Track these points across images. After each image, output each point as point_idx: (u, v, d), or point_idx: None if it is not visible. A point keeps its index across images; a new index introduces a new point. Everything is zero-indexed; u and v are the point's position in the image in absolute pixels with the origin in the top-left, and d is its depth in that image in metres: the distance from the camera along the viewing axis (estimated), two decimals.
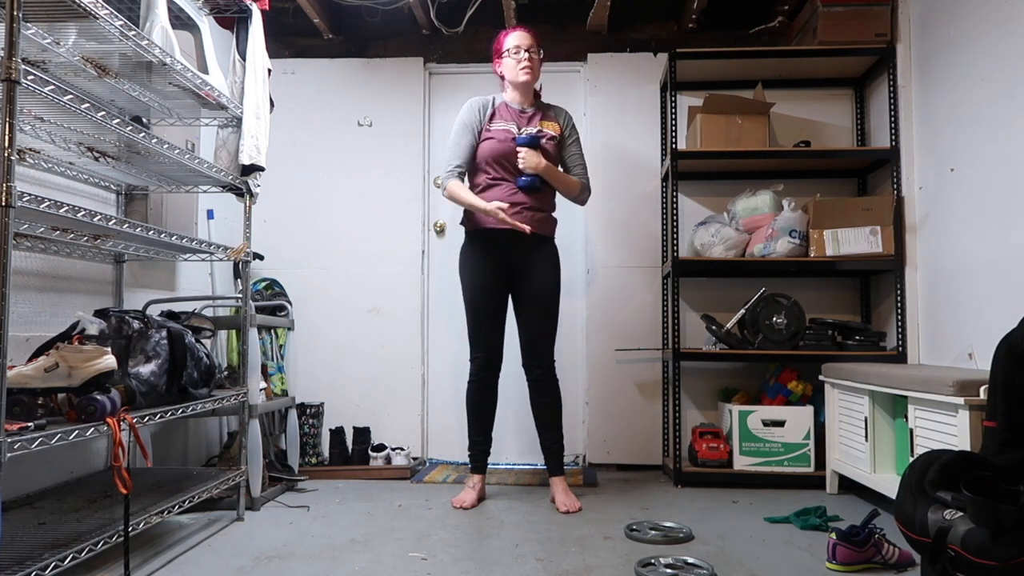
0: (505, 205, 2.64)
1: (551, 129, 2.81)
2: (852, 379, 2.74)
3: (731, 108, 3.26)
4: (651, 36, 3.68)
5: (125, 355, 2.11)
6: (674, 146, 3.28)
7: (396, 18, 3.63)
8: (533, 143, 2.71)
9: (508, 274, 2.79)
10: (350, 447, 3.38)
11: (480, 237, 2.78)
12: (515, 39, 2.78)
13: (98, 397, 1.75)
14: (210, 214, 3.21)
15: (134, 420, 1.83)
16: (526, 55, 2.76)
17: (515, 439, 3.61)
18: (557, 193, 2.85)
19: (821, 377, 3.02)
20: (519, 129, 2.76)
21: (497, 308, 2.79)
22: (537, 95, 2.91)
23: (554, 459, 2.80)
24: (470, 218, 2.81)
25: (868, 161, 3.34)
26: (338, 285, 3.69)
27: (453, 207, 3.70)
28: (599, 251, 3.61)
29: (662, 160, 3.59)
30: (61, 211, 1.66)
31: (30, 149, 2.10)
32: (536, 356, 2.78)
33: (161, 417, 2.03)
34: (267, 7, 2.67)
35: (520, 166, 2.71)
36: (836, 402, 2.93)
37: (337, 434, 3.39)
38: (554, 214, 2.86)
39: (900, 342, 3.06)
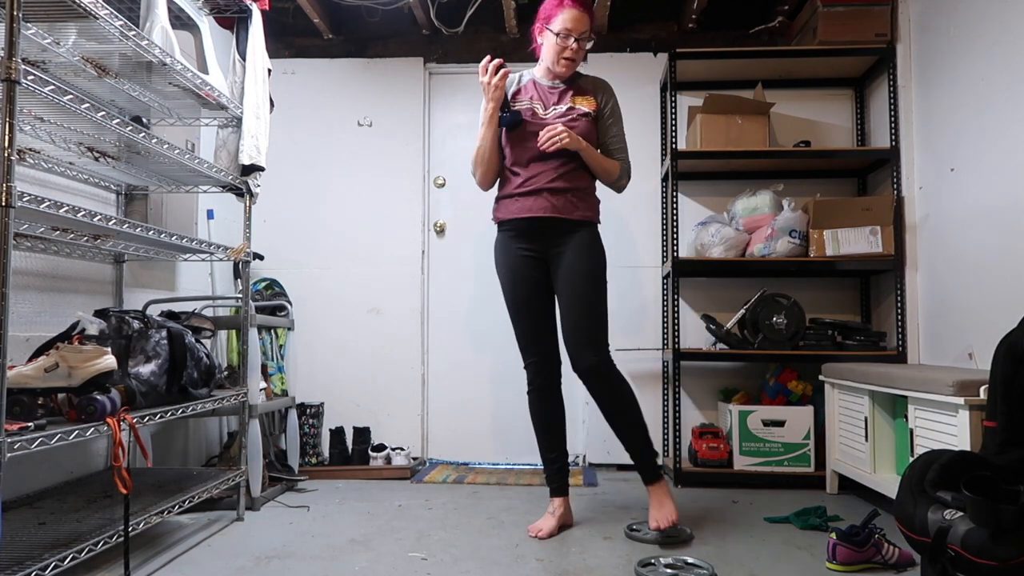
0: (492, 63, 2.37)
1: (584, 105, 2.45)
2: (852, 379, 2.74)
3: (731, 108, 3.26)
4: (651, 36, 3.68)
5: (125, 355, 2.11)
6: (674, 146, 3.28)
7: (396, 18, 3.63)
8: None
9: (546, 265, 2.46)
10: (350, 447, 3.38)
11: (510, 227, 2.47)
12: (568, 20, 2.37)
13: (98, 397, 1.75)
14: (210, 214, 3.21)
15: (134, 420, 1.84)
16: (574, 44, 2.39)
17: (516, 439, 3.61)
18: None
19: (821, 377, 3.02)
20: (544, 108, 2.45)
21: (540, 305, 2.46)
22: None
23: (641, 464, 2.41)
24: (498, 207, 2.52)
25: (868, 161, 3.34)
26: (338, 285, 3.69)
27: (453, 207, 3.73)
28: None
29: (662, 160, 3.59)
30: (61, 211, 1.66)
31: (30, 149, 2.10)
32: (578, 350, 2.36)
33: (161, 417, 2.03)
34: (267, 7, 2.67)
35: (542, 147, 2.34)
36: (836, 402, 2.93)
37: (337, 434, 3.39)
38: (596, 194, 2.52)
39: (900, 342, 3.06)
